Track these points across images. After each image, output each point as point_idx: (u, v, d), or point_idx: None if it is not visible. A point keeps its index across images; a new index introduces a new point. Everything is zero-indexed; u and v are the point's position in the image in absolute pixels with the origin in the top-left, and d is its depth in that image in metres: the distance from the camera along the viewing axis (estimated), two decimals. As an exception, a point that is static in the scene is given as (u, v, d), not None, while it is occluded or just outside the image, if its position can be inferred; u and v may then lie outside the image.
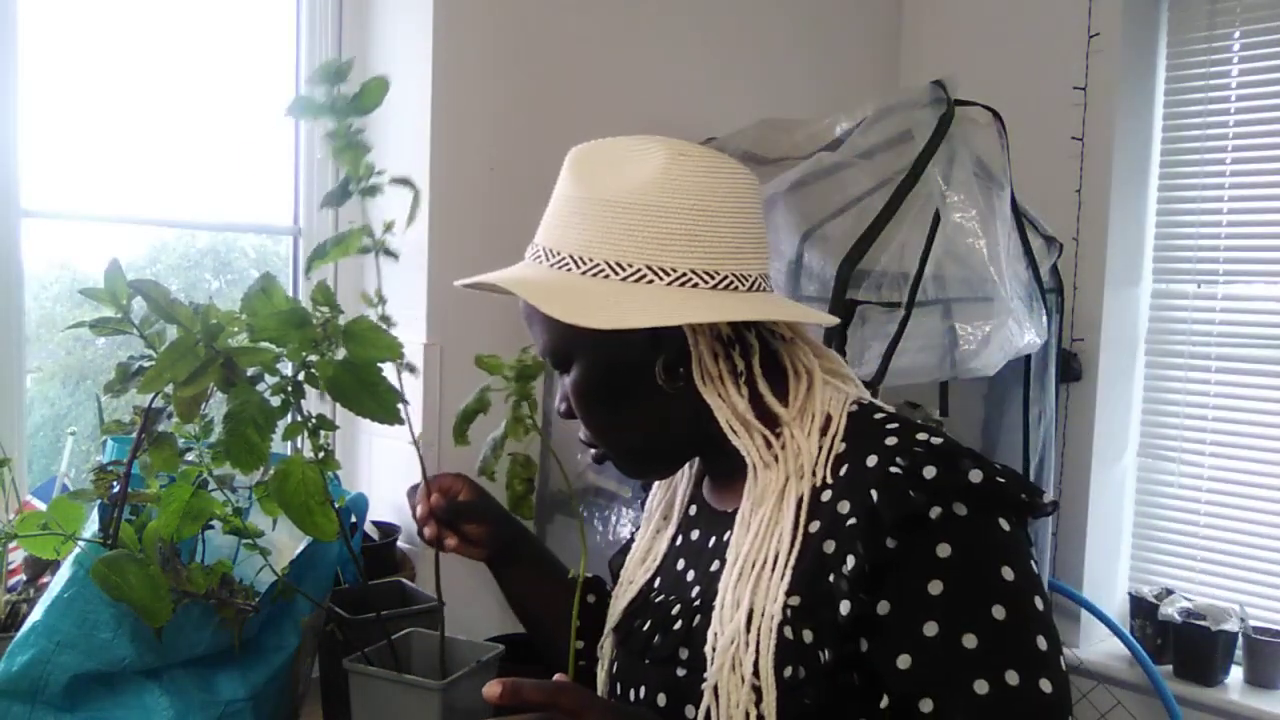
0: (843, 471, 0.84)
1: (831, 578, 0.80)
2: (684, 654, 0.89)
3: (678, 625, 0.91)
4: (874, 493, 0.80)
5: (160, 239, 1.80)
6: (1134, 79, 2.32)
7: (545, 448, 1.94)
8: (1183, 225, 2.34)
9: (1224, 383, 2.28)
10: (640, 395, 0.90)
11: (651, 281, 0.85)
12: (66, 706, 1.00)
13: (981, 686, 0.75)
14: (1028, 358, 1.91)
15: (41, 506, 1.29)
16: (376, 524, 1.79)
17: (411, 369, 1.00)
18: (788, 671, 0.80)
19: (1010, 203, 1.73)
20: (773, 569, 0.83)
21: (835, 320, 1.01)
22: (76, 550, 1.03)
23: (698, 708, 0.85)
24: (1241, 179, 2.25)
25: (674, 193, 0.86)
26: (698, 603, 0.90)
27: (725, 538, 0.91)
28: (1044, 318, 1.82)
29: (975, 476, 0.79)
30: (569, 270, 0.88)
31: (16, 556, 1.27)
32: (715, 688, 0.83)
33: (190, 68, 1.75)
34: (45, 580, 1.20)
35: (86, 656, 0.99)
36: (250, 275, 1.74)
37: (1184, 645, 2.20)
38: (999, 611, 0.76)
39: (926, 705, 0.77)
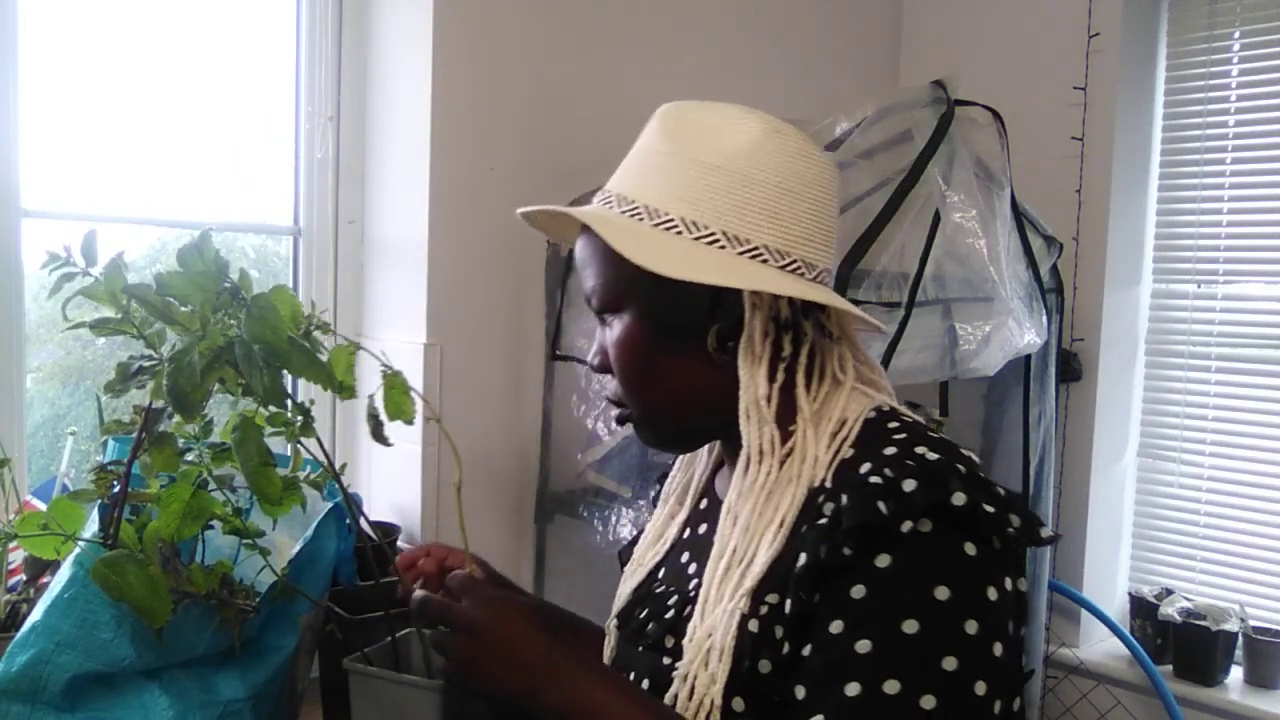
0: (841, 476, 0.83)
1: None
2: (669, 642, 0.89)
3: (669, 614, 0.91)
4: (844, 497, 0.78)
5: (160, 239, 1.79)
6: (1134, 79, 2.32)
7: (545, 447, 1.94)
8: (1183, 225, 2.34)
9: (1224, 383, 2.28)
10: (685, 357, 0.89)
11: (724, 247, 0.85)
12: (66, 706, 1.00)
13: (853, 689, 0.73)
14: (1028, 358, 1.91)
15: (41, 506, 1.29)
16: (376, 524, 1.79)
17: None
18: (746, 664, 0.80)
19: (1010, 203, 1.73)
20: (751, 564, 0.83)
21: (885, 328, 0.99)
22: (76, 550, 1.03)
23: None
24: (1241, 179, 2.25)
25: (762, 166, 0.86)
26: (692, 594, 0.90)
27: None
28: (1044, 318, 1.82)
29: (958, 499, 0.76)
30: (640, 219, 0.87)
31: (16, 556, 1.27)
32: (686, 677, 0.83)
33: (190, 67, 1.75)
34: (45, 580, 1.20)
35: (86, 656, 0.99)
36: (250, 275, 1.74)
37: (1184, 645, 2.20)
38: (910, 625, 0.73)
39: (799, 693, 0.76)
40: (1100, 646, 2.38)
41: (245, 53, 1.84)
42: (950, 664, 0.73)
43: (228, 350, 0.95)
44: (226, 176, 1.81)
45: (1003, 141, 1.72)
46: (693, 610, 0.87)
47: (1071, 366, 2.31)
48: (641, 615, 0.95)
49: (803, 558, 0.78)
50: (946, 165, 1.61)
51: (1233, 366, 2.27)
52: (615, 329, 0.91)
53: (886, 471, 0.78)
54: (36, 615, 1.01)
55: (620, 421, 0.95)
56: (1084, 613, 2.33)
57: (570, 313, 1.87)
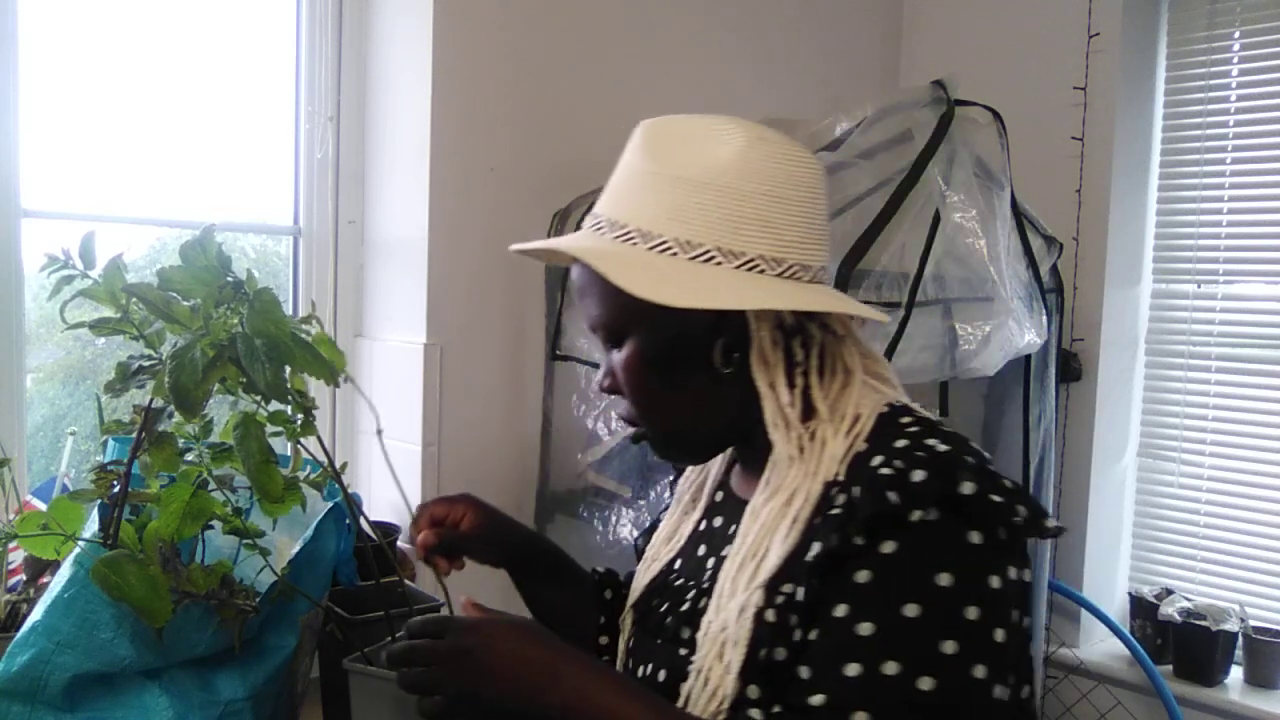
0: (854, 470, 0.84)
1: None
2: (685, 634, 0.90)
3: (685, 607, 0.92)
4: (857, 490, 0.80)
5: (160, 239, 1.80)
6: (1134, 79, 2.32)
7: (545, 447, 1.94)
8: (1183, 225, 2.34)
9: (1224, 383, 2.28)
10: (693, 376, 0.90)
11: (720, 264, 0.85)
12: (66, 706, 1.00)
13: (853, 669, 0.74)
14: (1028, 358, 1.91)
15: (41, 506, 1.29)
16: (376, 524, 1.79)
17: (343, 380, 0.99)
18: (762, 653, 0.81)
19: (1010, 203, 1.73)
20: (765, 559, 0.84)
21: (886, 319, 0.99)
22: (76, 550, 1.03)
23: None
24: (1241, 179, 2.25)
25: (750, 177, 0.86)
26: (706, 586, 0.91)
27: None
28: (1044, 318, 1.82)
29: (967, 489, 0.77)
30: (634, 244, 0.87)
31: (16, 556, 1.27)
32: (701, 669, 0.84)
33: (190, 67, 1.75)
34: (45, 580, 1.20)
35: (86, 656, 0.99)
36: (255, 274, 1.74)
37: (1184, 645, 2.20)
38: (911, 609, 0.75)
39: (803, 673, 0.78)
40: (1100, 646, 2.38)
41: (245, 53, 1.84)
42: (950, 647, 0.74)
43: (230, 346, 0.96)
44: (226, 176, 1.81)
45: (1003, 141, 1.72)
46: (708, 603, 0.88)
47: (1071, 366, 2.31)
48: (660, 608, 0.95)
49: (816, 547, 0.80)
50: (946, 165, 1.61)
51: (1233, 366, 2.27)
52: (623, 353, 0.91)
53: (896, 463, 0.79)
54: (36, 615, 1.01)
55: (636, 440, 0.96)
56: (1084, 613, 2.32)
57: (570, 313, 1.86)
